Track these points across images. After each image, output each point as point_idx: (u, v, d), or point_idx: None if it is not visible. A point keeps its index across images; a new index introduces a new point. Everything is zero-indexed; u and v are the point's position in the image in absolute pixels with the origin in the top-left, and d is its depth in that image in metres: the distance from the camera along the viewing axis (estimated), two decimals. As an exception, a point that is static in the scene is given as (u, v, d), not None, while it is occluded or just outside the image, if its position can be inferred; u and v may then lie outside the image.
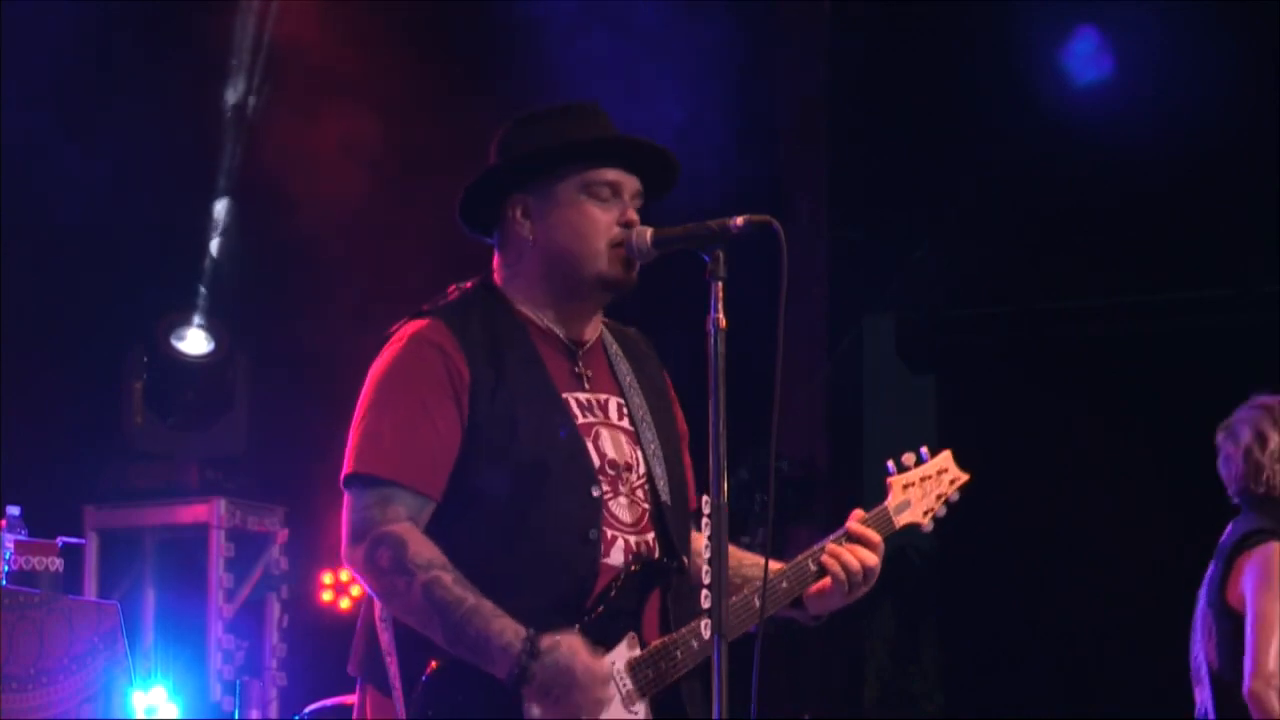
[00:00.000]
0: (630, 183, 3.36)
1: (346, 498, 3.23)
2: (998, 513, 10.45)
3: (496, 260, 3.43)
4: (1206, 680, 4.96)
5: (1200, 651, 5.01)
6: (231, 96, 7.53)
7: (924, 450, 3.69)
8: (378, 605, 3.22)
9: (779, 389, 3.13)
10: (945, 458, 3.71)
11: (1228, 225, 9.40)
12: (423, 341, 3.26)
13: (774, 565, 3.36)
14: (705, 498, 3.04)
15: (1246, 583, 4.85)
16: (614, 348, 3.46)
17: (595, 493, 3.28)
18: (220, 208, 7.56)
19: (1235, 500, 5.09)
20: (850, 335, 10.28)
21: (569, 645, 3.12)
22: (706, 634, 3.02)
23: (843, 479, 9.49)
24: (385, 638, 3.19)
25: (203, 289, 7.49)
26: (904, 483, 3.62)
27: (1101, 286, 10.29)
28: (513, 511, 3.20)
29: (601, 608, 3.20)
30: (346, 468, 3.23)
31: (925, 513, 3.61)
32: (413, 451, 3.19)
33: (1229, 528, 5.05)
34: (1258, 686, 4.70)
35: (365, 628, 3.29)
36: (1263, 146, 8.79)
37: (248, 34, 7.52)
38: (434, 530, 3.21)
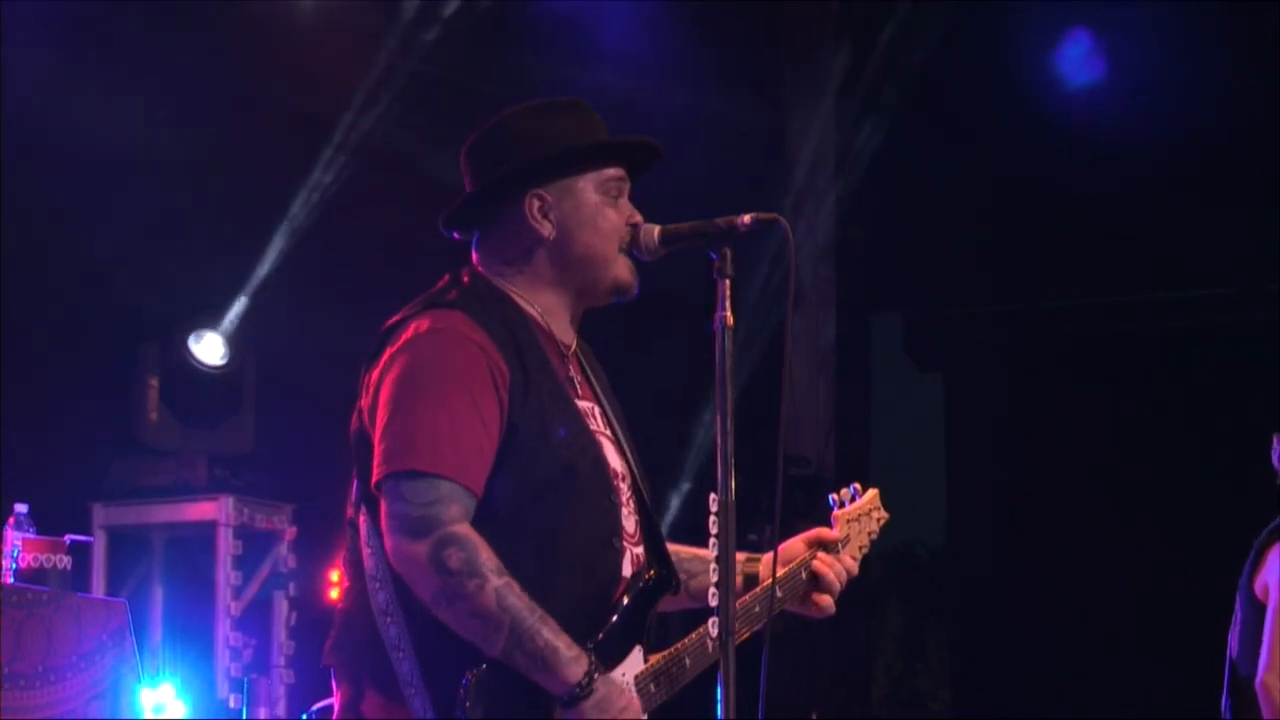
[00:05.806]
0: (627, 181, 3.35)
1: (396, 490, 3.07)
2: (1005, 510, 10.46)
3: (482, 257, 3.35)
4: (1226, 667, 4.92)
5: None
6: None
7: (855, 486, 3.80)
8: (379, 597, 3.11)
9: (787, 386, 3.13)
10: (873, 496, 3.81)
11: (1230, 224, 9.40)
12: (463, 336, 3.16)
13: (768, 573, 3.41)
14: (713, 495, 3.03)
15: (1271, 573, 4.81)
16: (585, 354, 3.43)
17: (613, 501, 3.27)
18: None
19: None
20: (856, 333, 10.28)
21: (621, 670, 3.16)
22: (714, 631, 3.02)
23: (850, 476, 9.47)
24: (393, 631, 3.10)
25: (239, 301, 7.50)
26: (846, 517, 3.71)
27: (1109, 284, 10.30)
28: (542, 515, 3.15)
29: (615, 618, 3.19)
30: (402, 461, 3.07)
31: (860, 548, 3.72)
32: (469, 450, 3.09)
33: None
34: (1270, 679, 4.67)
35: (357, 619, 3.17)
36: (1264, 146, 8.80)
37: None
38: None
